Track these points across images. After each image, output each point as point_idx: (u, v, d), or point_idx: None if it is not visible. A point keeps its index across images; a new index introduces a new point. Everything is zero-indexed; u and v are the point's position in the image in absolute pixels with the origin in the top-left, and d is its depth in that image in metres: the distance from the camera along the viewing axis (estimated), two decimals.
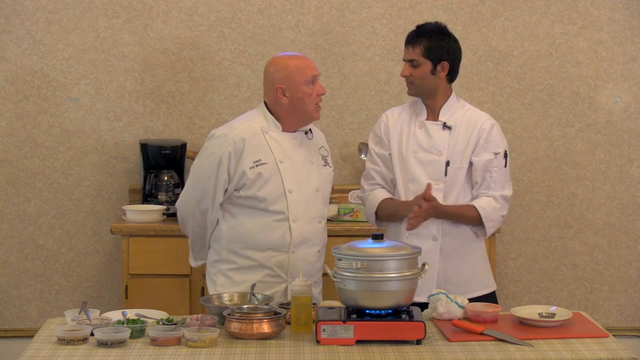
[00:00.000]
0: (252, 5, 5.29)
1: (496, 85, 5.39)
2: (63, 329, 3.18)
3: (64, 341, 3.15)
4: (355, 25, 5.33)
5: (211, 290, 3.78)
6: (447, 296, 3.40)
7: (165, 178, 5.11)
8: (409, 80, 3.85)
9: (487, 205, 3.78)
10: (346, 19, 5.32)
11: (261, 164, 3.66)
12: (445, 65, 3.84)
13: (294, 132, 3.75)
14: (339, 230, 4.79)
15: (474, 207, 3.78)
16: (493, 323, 3.34)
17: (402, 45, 5.26)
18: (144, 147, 5.11)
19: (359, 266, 3.17)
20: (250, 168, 3.65)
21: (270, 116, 3.72)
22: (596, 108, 5.40)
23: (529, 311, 3.42)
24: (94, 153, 5.31)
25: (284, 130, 3.73)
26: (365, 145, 5.25)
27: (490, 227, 3.80)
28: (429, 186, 3.69)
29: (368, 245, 3.24)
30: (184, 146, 5.14)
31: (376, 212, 3.91)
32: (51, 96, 5.27)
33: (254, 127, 3.71)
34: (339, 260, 3.22)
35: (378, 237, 3.26)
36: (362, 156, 5.24)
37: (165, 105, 5.31)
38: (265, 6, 5.30)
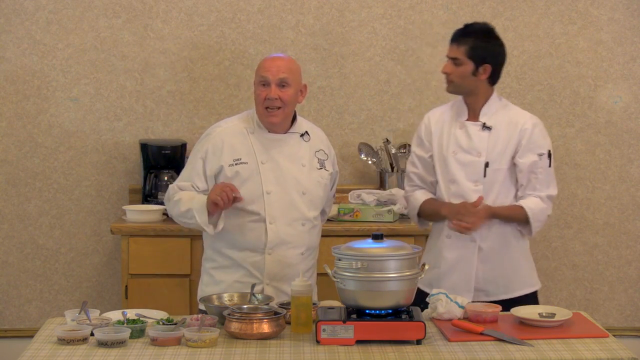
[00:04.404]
0: (252, 5, 5.29)
1: (496, 85, 5.37)
2: (63, 329, 3.19)
3: (64, 341, 3.15)
4: (355, 25, 5.32)
5: (199, 288, 3.82)
6: (447, 296, 3.40)
7: (165, 178, 5.11)
8: (449, 77, 3.83)
9: (535, 206, 3.79)
10: (346, 19, 5.32)
11: (241, 163, 3.67)
12: (487, 68, 3.82)
13: (285, 133, 3.75)
14: (339, 230, 4.78)
15: (522, 207, 3.78)
16: (493, 323, 3.34)
17: (402, 45, 5.34)
18: (144, 147, 5.10)
19: (359, 266, 3.17)
20: (229, 165, 3.66)
21: (257, 117, 3.73)
22: (596, 108, 5.40)
23: (529, 311, 3.42)
24: (94, 153, 5.31)
25: (272, 131, 3.73)
26: (365, 145, 5.26)
27: (536, 227, 3.81)
28: (480, 198, 3.71)
29: (368, 245, 3.24)
30: (184, 146, 5.13)
31: (419, 213, 3.94)
32: (51, 96, 5.27)
33: (239, 126, 3.73)
34: (339, 260, 3.22)
35: (378, 237, 3.26)
36: (362, 156, 5.24)
37: (165, 105, 5.31)
38: (265, 6, 5.29)
